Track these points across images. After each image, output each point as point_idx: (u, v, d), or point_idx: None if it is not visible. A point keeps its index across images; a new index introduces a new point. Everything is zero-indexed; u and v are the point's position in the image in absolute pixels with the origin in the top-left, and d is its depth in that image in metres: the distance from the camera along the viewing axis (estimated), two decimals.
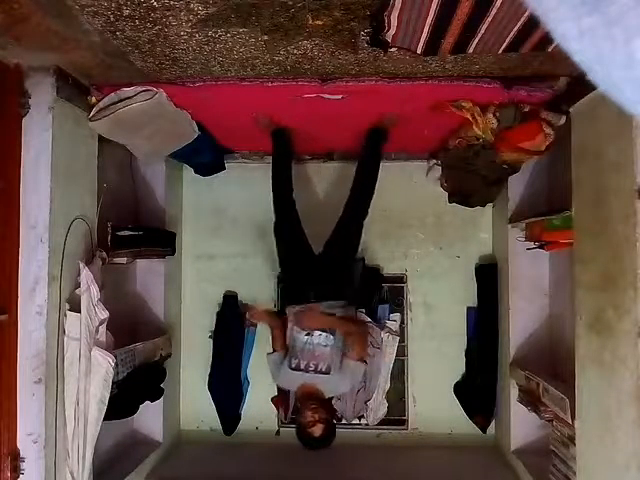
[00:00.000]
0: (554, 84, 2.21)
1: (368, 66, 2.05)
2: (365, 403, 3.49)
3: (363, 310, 3.51)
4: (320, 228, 3.91)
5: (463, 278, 3.62)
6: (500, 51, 1.80)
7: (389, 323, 3.56)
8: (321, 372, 2.68)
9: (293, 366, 2.71)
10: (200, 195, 3.79)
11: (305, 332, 2.73)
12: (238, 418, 3.64)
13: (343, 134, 3.04)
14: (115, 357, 2.26)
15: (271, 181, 2.97)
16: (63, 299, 2.14)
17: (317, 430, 2.53)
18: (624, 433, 1.79)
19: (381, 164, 2.93)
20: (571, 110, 2.27)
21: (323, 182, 3.75)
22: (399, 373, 3.63)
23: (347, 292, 2.95)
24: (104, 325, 2.21)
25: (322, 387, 2.68)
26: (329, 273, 2.85)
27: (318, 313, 2.72)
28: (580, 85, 2.09)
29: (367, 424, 3.53)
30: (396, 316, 3.62)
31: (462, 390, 3.58)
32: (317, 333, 2.72)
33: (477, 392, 3.51)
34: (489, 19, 1.55)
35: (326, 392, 2.71)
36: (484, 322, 3.51)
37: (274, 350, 2.89)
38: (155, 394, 3.09)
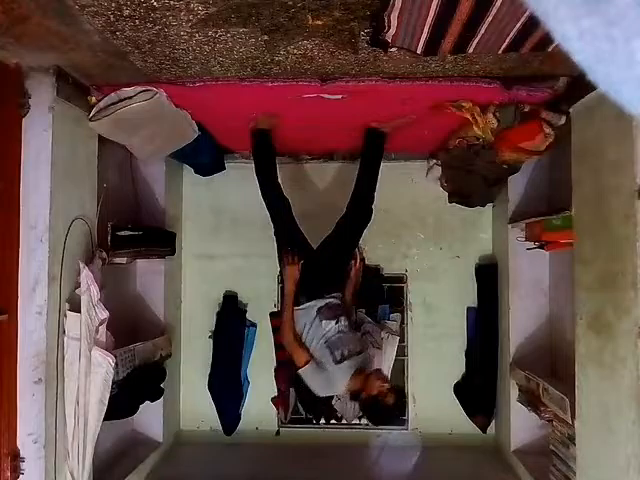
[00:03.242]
0: (554, 84, 2.21)
1: (368, 66, 2.05)
2: None
3: (363, 310, 3.52)
4: (319, 228, 3.90)
5: (463, 278, 3.63)
6: (500, 51, 1.79)
7: (389, 323, 3.56)
8: (358, 353, 2.68)
9: (339, 359, 2.59)
10: (200, 195, 3.79)
11: (334, 320, 2.67)
12: (238, 418, 3.64)
13: (343, 134, 3.03)
14: (115, 357, 2.25)
15: (260, 188, 2.82)
16: (63, 299, 2.14)
17: (391, 398, 2.53)
18: (624, 433, 1.79)
19: (381, 164, 2.91)
20: (571, 110, 2.27)
21: (322, 182, 3.75)
22: (399, 373, 3.63)
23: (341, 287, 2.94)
24: (104, 325, 2.20)
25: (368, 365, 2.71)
26: (327, 270, 2.83)
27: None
28: (580, 85, 2.09)
29: (367, 424, 3.52)
30: (396, 316, 3.63)
31: (462, 390, 3.59)
32: (343, 318, 2.71)
33: (477, 392, 3.52)
34: (489, 19, 1.54)
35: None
36: (484, 322, 3.51)
37: (302, 365, 2.63)
38: (155, 394, 3.09)
